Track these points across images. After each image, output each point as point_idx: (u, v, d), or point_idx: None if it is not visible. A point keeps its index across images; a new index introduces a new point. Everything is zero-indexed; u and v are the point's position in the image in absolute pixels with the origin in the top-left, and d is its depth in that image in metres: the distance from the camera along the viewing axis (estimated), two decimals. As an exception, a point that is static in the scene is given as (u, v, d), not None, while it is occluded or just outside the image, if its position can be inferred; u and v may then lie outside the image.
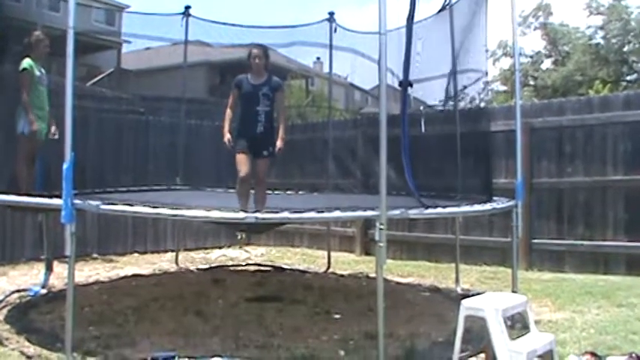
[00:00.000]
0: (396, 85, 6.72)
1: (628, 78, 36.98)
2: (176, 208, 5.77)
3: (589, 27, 38.11)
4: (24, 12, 9.86)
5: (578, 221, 10.01)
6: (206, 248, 13.35)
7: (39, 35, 7.80)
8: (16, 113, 7.46)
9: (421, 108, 9.53)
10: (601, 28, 37.13)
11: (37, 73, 7.57)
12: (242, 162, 6.98)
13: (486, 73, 7.87)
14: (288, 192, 10.74)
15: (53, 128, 7.73)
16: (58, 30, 6.55)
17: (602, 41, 36.95)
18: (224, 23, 11.01)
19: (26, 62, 7.46)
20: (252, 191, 7.22)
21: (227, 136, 7.05)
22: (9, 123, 7.53)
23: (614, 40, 36.01)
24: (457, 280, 8.84)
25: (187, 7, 10.88)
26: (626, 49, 36.10)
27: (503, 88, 38.16)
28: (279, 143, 7.04)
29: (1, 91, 7.89)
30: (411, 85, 6.22)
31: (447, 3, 8.65)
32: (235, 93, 7.20)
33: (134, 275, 10.00)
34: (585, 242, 9.85)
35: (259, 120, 7.00)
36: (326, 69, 13.05)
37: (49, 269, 8.67)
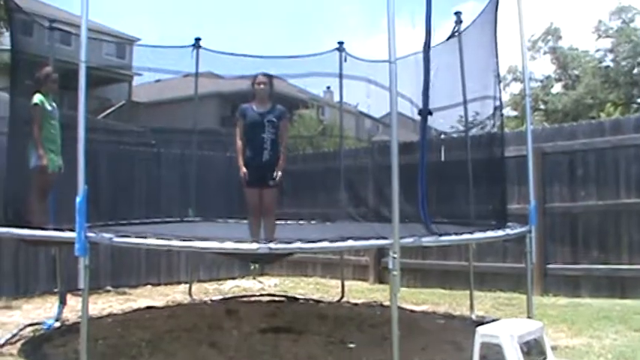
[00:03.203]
0: (413, 113, 6.76)
1: (639, 100, 36.99)
2: (189, 240, 5.79)
3: (598, 50, 38.35)
4: (36, 46, 9.97)
5: (593, 245, 9.95)
6: (219, 279, 13.33)
7: (48, 70, 7.91)
8: (28, 147, 7.53)
9: (442, 137, 9.54)
10: (610, 50, 37.29)
11: (49, 107, 7.64)
12: (250, 195, 7.06)
13: (500, 99, 7.88)
14: (301, 222, 10.72)
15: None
16: (70, 63, 6.64)
17: (611, 64, 37.11)
18: (233, 54, 11.09)
19: (37, 97, 7.54)
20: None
21: (243, 170, 7.06)
22: (22, 157, 7.60)
23: (623, 63, 36.13)
24: (472, 307, 8.79)
25: (197, 39, 10.95)
26: (636, 71, 36.22)
27: (514, 113, 38.27)
28: (278, 173, 7.07)
29: (13, 125, 7.94)
30: (431, 114, 6.23)
31: (455, 30, 8.70)
32: (241, 122, 7.23)
33: (148, 307, 10.00)
34: (600, 266, 9.78)
35: (265, 147, 7.04)
36: (336, 98, 13.10)
37: (63, 302, 8.68)
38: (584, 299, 9.62)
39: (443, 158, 9.47)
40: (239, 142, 7.24)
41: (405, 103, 7.99)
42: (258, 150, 7.06)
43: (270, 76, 7.46)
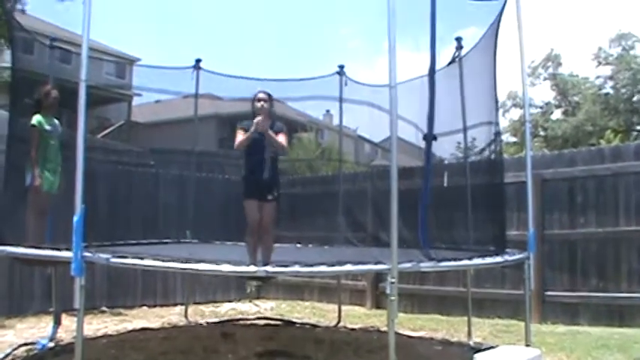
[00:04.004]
0: (415, 138, 6.77)
1: (638, 127, 37.12)
2: (186, 262, 5.78)
3: (598, 77, 38.54)
4: (36, 64, 10.01)
5: (592, 273, 9.92)
6: (215, 302, 13.30)
7: (48, 89, 7.94)
8: (25, 166, 7.54)
9: (446, 162, 9.56)
10: (610, 78, 37.49)
11: (47, 127, 7.67)
12: (249, 208, 7.07)
13: (498, 124, 7.91)
14: (298, 245, 10.73)
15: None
16: (70, 82, 6.66)
17: (611, 91, 37.31)
18: (233, 76, 11.11)
19: (35, 119, 7.58)
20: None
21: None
22: (20, 175, 7.60)
23: (623, 90, 36.32)
24: (469, 334, 8.76)
25: (198, 61, 10.98)
26: (635, 98, 36.40)
27: (514, 139, 38.36)
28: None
29: (12, 143, 7.96)
30: (436, 139, 6.24)
31: (456, 56, 8.74)
32: (242, 133, 7.23)
33: (143, 329, 9.95)
34: (599, 294, 9.74)
35: (265, 167, 7.08)
36: (336, 122, 13.12)
37: (58, 322, 8.64)
38: (582, 327, 9.57)
39: (446, 184, 9.45)
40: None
41: (404, 128, 8.03)
42: (258, 168, 7.10)
43: (269, 94, 7.50)
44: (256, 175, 7.10)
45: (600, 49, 38.32)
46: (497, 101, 7.89)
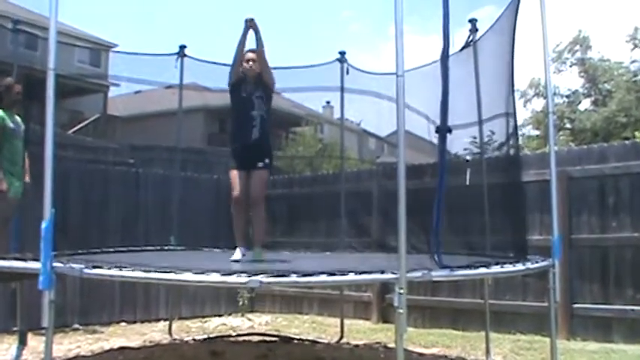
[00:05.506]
0: (427, 131, 6.77)
1: (680, 119, 36.92)
2: (170, 272, 5.77)
3: (634, 61, 38.01)
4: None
5: (627, 283, 9.83)
6: (203, 316, 13.29)
7: (10, 81, 7.91)
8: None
9: (468, 158, 9.54)
10: (648, 62, 37.09)
11: (10, 125, 7.64)
12: (235, 179, 7.17)
13: (514, 115, 7.89)
14: (296, 252, 10.71)
15: (27, 177, 7.80)
16: (37, 71, 6.64)
17: (649, 77, 36.89)
18: (222, 64, 11.08)
19: None
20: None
21: None
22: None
23: (663, 76, 35.98)
24: (487, 351, 8.75)
25: (182, 47, 10.95)
26: (677, 85, 36.04)
27: (536, 132, 38.20)
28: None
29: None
30: (450, 131, 6.21)
31: (470, 39, 8.71)
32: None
33: (121, 348, 9.93)
34: (636, 307, 9.67)
35: (254, 125, 7.24)
36: (337, 114, 13.14)
37: (23, 343, 8.59)
38: (617, 345, 9.53)
39: (467, 182, 9.43)
40: None
41: (414, 121, 8.02)
42: (247, 127, 7.28)
43: (259, 52, 7.63)
44: (243, 137, 7.23)
45: (636, 29, 38.02)
46: (514, 90, 7.86)
